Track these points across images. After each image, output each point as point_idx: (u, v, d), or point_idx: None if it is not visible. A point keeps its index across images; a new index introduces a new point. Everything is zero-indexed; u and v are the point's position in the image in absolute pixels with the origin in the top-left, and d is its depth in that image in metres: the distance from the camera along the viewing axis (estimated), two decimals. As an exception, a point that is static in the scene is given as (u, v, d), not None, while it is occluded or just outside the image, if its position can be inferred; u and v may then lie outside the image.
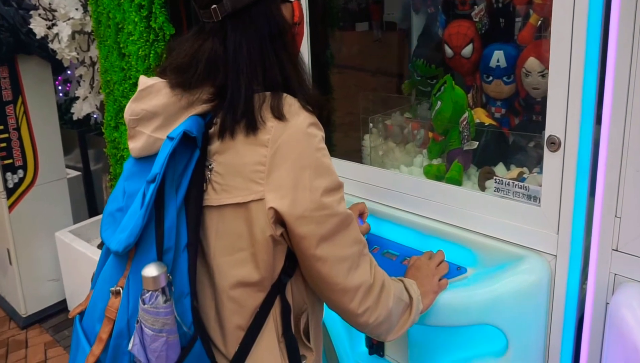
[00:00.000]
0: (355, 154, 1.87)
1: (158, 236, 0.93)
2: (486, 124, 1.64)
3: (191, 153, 0.97)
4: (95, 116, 3.09)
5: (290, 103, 0.97)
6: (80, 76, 2.68)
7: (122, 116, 2.21)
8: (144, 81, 1.04)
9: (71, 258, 2.99)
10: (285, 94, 0.98)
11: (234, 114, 0.94)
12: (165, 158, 0.93)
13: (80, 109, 2.65)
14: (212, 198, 0.97)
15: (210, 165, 0.98)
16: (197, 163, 0.97)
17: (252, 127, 0.94)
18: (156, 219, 0.94)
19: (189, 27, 1.89)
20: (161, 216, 0.94)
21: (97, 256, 2.74)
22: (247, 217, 0.95)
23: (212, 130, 0.98)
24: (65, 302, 3.26)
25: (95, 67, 2.59)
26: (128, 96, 2.12)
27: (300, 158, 0.94)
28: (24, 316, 3.16)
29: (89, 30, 2.53)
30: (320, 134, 0.98)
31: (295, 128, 0.94)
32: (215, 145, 0.97)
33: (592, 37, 1.15)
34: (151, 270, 0.90)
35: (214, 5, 0.96)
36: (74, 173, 3.63)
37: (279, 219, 0.95)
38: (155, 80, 1.03)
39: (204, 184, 0.98)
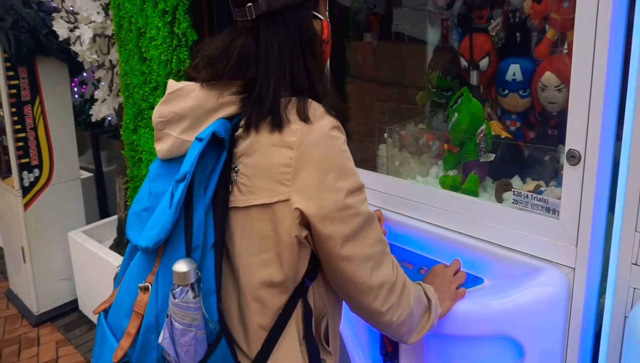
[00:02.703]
0: (369, 163, 1.86)
1: (187, 234, 0.94)
2: (502, 137, 1.63)
3: (219, 155, 0.98)
4: (109, 118, 3.10)
5: (315, 107, 0.98)
6: (99, 79, 2.69)
7: (141, 119, 2.21)
8: (172, 84, 1.05)
9: (83, 258, 2.99)
10: (310, 100, 0.99)
11: (261, 109, 0.96)
12: (196, 158, 0.94)
13: (98, 111, 2.66)
14: (238, 199, 0.98)
15: (236, 167, 0.99)
16: (224, 164, 0.97)
17: (278, 124, 0.95)
18: (185, 217, 0.95)
19: (211, 33, 1.89)
20: (190, 215, 0.95)
21: (109, 257, 2.74)
22: (272, 218, 0.96)
23: (238, 133, 0.99)
24: (76, 302, 3.25)
25: (115, 70, 2.60)
26: (148, 100, 2.12)
27: (325, 160, 0.95)
28: (36, 314, 3.15)
29: (110, 34, 2.54)
30: (343, 137, 0.99)
31: (319, 131, 0.95)
32: (241, 147, 0.98)
33: (613, 52, 1.14)
34: (182, 266, 0.92)
35: (250, 4, 0.98)
36: (86, 174, 3.63)
37: (304, 221, 0.96)
38: (184, 83, 1.04)
39: (230, 186, 0.99)
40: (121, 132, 2.36)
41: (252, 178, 0.97)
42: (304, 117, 0.95)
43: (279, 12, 0.98)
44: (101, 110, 2.64)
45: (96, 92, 2.71)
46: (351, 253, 0.98)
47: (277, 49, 0.98)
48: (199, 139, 0.96)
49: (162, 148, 1.04)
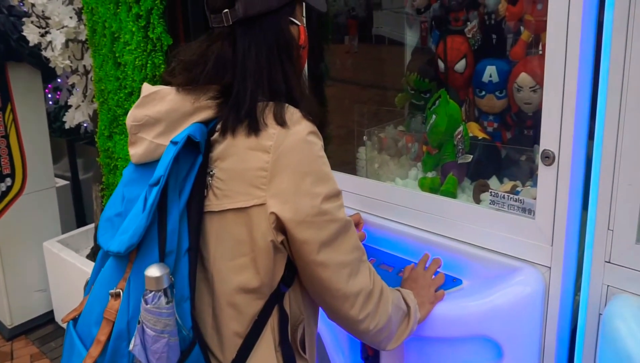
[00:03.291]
0: (349, 166, 1.87)
1: (160, 238, 0.94)
2: (479, 138, 1.66)
3: (194, 159, 0.98)
4: (85, 125, 3.07)
5: (292, 112, 0.98)
6: (73, 85, 2.66)
7: (116, 126, 2.20)
8: (147, 88, 1.05)
9: (59, 268, 2.94)
10: (287, 104, 1.00)
11: (238, 113, 0.96)
12: (170, 161, 0.94)
13: (72, 118, 2.63)
14: (213, 203, 0.98)
15: (212, 171, 0.99)
16: (199, 168, 0.98)
17: (254, 128, 0.96)
18: (159, 222, 0.94)
19: (186, 38, 1.89)
20: (164, 219, 0.94)
21: (86, 266, 2.70)
22: (248, 222, 0.96)
23: (214, 136, 0.99)
24: (52, 313, 3.19)
25: (89, 76, 2.57)
26: (123, 106, 2.11)
27: (302, 164, 0.96)
28: (10, 327, 3.09)
29: (83, 39, 2.52)
30: (320, 142, 1.00)
31: (296, 136, 0.96)
32: (217, 151, 0.99)
33: (585, 53, 1.18)
34: (155, 270, 0.91)
35: (226, 10, 0.98)
36: (62, 182, 3.58)
37: (280, 226, 0.96)
38: (159, 87, 1.04)
39: (205, 190, 0.98)
40: (96, 139, 2.34)
41: (227, 181, 0.97)
42: (281, 122, 0.96)
43: (256, 17, 0.99)
44: (75, 116, 2.61)
45: (70, 98, 2.69)
46: (327, 260, 0.99)
47: (255, 54, 0.98)
48: (173, 142, 0.96)
49: (136, 152, 1.03)
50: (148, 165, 1.02)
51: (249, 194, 0.95)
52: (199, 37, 1.07)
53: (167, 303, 0.91)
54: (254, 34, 0.99)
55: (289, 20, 1.03)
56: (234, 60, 0.99)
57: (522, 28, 1.65)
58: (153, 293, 0.91)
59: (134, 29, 1.95)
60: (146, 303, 0.91)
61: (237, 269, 0.99)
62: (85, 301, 1.05)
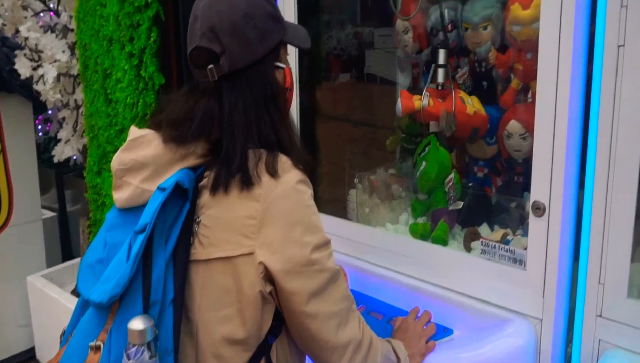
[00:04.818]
0: (339, 205, 1.87)
1: (145, 289, 0.92)
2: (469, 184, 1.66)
3: (181, 205, 0.97)
4: (75, 157, 3.06)
5: (283, 161, 0.99)
6: (64, 118, 2.66)
7: (106, 162, 2.19)
8: (135, 131, 1.05)
9: (43, 303, 2.89)
10: (279, 153, 1.00)
11: (229, 168, 0.96)
12: (157, 208, 0.92)
13: (61, 152, 2.62)
14: (199, 252, 0.97)
15: (198, 218, 0.98)
16: (186, 215, 0.97)
17: (247, 182, 0.95)
18: (144, 271, 0.92)
19: (179, 77, 1.91)
20: (149, 268, 0.93)
21: (70, 302, 2.65)
22: (235, 272, 0.95)
23: (202, 183, 0.99)
24: (33, 350, 3.11)
25: (80, 111, 2.58)
26: (113, 142, 2.11)
27: (291, 214, 0.96)
28: (-12, 364, 3.02)
29: (75, 74, 2.53)
30: (309, 191, 1.00)
31: (286, 184, 0.96)
32: (204, 198, 0.98)
33: (574, 104, 1.19)
34: (139, 323, 0.89)
35: (211, 65, 0.98)
36: (49, 214, 3.54)
37: (268, 276, 0.95)
38: (146, 131, 1.03)
39: (191, 238, 0.97)
40: (85, 175, 2.33)
41: (214, 229, 0.96)
42: (272, 172, 0.96)
43: (241, 70, 0.99)
44: (65, 151, 2.60)
45: (60, 132, 2.68)
46: (316, 310, 0.98)
47: (242, 109, 0.98)
48: (161, 189, 0.95)
49: (120, 196, 1.01)
50: (133, 210, 1.00)
51: (237, 243, 0.94)
52: (190, 81, 1.07)
53: (151, 358, 0.89)
54: (241, 87, 0.99)
55: (274, 66, 1.03)
56: (221, 115, 0.98)
57: (512, 76, 1.68)
58: (136, 347, 0.88)
59: (126, 67, 1.96)
60: (128, 358, 0.88)
61: (223, 320, 0.97)
62: (62, 352, 1.01)
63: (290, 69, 1.09)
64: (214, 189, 0.96)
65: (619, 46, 1.11)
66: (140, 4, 1.92)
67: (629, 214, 1.15)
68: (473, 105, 1.64)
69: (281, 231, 0.94)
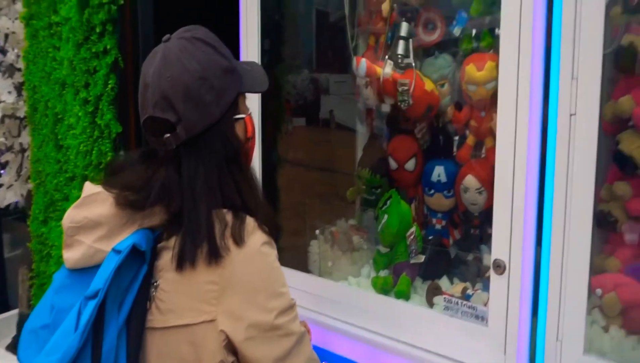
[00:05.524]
0: (300, 254, 1.86)
1: (94, 361, 0.87)
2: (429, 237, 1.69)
3: (138, 268, 0.93)
4: (16, 201, 2.91)
5: (247, 222, 0.96)
6: (7, 162, 2.54)
7: (53, 211, 2.10)
8: (89, 187, 1.00)
9: (-27, 360, 2.68)
10: (245, 216, 0.97)
11: (194, 239, 0.91)
12: (111, 273, 0.88)
13: (3, 198, 2.49)
14: (156, 318, 0.93)
15: (156, 282, 0.94)
16: (143, 279, 0.93)
17: (216, 255, 0.91)
18: (93, 341, 0.87)
19: (137, 127, 1.87)
20: (100, 337, 0.87)
21: (5, 360, 2.47)
22: (194, 340, 0.91)
23: (161, 244, 0.95)
24: (-41, 411, 2.86)
25: (25, 155, 2.47)
26: (62, 190, 2.03)
27: (255, 279, 0.93)
28: None
29: (22, 116, 2.44)
30: (274, 252, 0.98)
31: (250, 248, 0.93)
32: (163, 260, 0.94)
33: (531, 167, 1.26)
34: None
35: (167, 135, 0.94)
36: (-17, 260, 3.32)
37: (230, 345, 0.92)
38: (101, 188, 0.99)
39: (148, 303, 0.93)
40: (28, 223, 2.21)
41: (173, 294, 0.92)
42: (238, 239, 0.93)
43: (200, 134, 0.95)
44: (7, 196, 2.48)
45: (2, 176, 2.56)
46: None
47: (203, 175, 0.94)
48: (116, 251, 0.91)
49: (71, 256, 0.95)
50: (84, 271, 0.95)
51: (197, 310, 0.91)
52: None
53: None
54: (199, 152, 0.95)
55: (233, 121, 0.99)
56: (181, 184, 0.94)
57: (467, 132, 1.75)
58: None
59: (80, 113, 1.91)
60: None
61: None
62: None
63: (250, 116, 1.05)
64: (180, 266, 0.91)
65: (571, 115, 1.18)
66: (98, 50, 1.89)
67: (584, 271, 1.20)
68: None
69: (244, 298, 0.92)
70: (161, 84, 0.92)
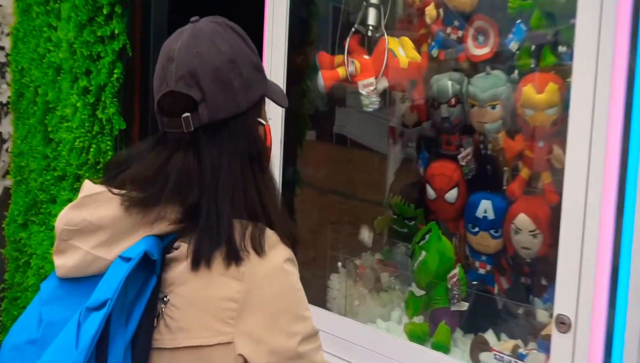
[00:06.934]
0: (318, 291, 1.79)
1: None
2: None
3: (145, 279, 0.89)
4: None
5: (269, 235, 0.94)
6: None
7: (36, 213, 2.02)
8: (90, 186, 0.97)
9: None
10: (265, 227, 0.95)
11: (212, 237, 0.90)
12: (121, 282, 0.85)
13: (-26, 194, 2.41)
14: (164, 338, 0.90)
15: (166, 297, 0.91)
16: (152, 292, 0.89)
17: (235, 257, 0.89)
18: (97, 359, 0.84)
19: (142, 123, 1.80)
20: (104, 355, 0.85)
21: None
22: None
23: (171, 255, 0.92)
24: None
25: (5, 146, 2.42)
26: (48, 191, 1.94)
27: (278, 299, 0.92)
28: None
29: (4, 101, 2.40)
30: (296, 271, 0.96)
31: (272, 263, 0.92)
32: (174, 272, 0.91)
33: (606, 208, 1.18)
34: None
35: (187, 114, 0.92)
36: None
37: None
38: (104, 188, 0.95)
39: (155, 320, 0.90)
40: (4, 225, 2.14)
41: (185, 311, 0.90)
42: (259, 249, 0.91)
43: (223, 122, 0.94)
44: (-21, 192, 2.40)
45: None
46: None
47: (227, 166, 0.93)
48: (124, 258, 0.88)
49: (64, 263, 0.93)
50: (78, 281, 0.93)
51: (212, 330, 0.88)
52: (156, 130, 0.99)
53: None
54: (224, 141, 0.95)
55: (257, 121, 1.00)
56: (201, 174, 0.93)
57: (519, 163, 1.69)
58: None
59: (78, 104, 1.84)
60: None
61: None
62: None
63: (270, 127, 1.06)
64: (195, 264, 0.89)
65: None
66: (105, 34, 1.82)
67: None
68: (406, 55, 1.57)
69: (266, 319, 0.90)
70: (189, 59, 0.93)
